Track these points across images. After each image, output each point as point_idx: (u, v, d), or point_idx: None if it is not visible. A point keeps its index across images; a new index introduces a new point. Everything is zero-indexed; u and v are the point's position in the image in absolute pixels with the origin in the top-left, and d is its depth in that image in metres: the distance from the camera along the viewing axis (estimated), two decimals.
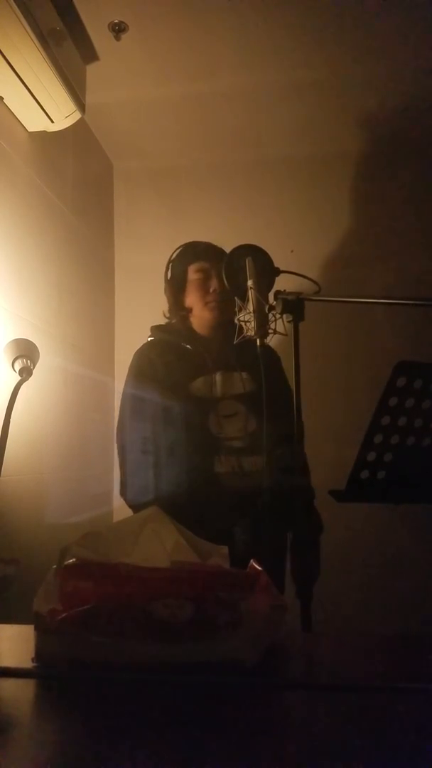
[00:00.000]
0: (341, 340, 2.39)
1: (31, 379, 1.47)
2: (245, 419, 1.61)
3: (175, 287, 1.74)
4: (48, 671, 0.72)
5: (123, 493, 1.64)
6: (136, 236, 2.61)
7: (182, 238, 1.79)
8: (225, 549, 0.89)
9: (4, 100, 1.67)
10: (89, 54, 1.89)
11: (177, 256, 1.76)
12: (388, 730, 0.60)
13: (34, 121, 1.78)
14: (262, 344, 1.37)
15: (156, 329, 1.77)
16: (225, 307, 1.67)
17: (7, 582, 0.93)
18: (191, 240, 1.79)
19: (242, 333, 1.42)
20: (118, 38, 1.82)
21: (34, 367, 1.49)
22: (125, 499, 1.63)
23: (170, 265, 1.77)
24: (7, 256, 1.67)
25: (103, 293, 2.52)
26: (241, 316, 1.43)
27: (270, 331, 1.38)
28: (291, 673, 0.77)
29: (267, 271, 1.46)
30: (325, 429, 1.86)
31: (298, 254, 2.16)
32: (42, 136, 1.85)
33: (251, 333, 1.38)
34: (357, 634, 1.05)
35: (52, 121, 1.78)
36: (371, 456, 0.99)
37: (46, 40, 1.53)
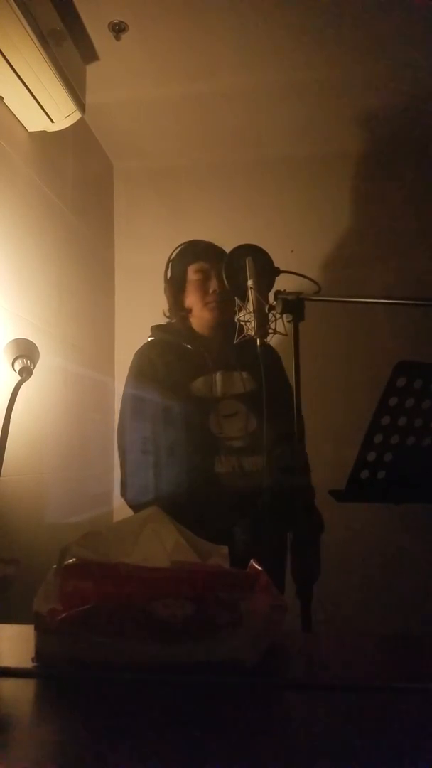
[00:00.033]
0: (341, 340, 2.39)
1: (31, 379, 1.47)
2: (245, 419, 1.61)
3: (175, 287, 1.74)
4: (48, 671, 0.72)
5: (123, 493, 1.64)
6: (136, 236, 2.61)
7: (182, 238, 1.79)
8: (225, 549, 0.89)
9: (4, 100, 1.67)
10: (89, 54, 1.89)
11: (177, 255, 1.76)
12: (388, 730, 0.60)
13: (34, 121, 1.78)
14: (263, 344, 1.37)
15: (156, 329, 1.77)
16: (225, 308, 1.67)
17: (7, 582, 0.93)
18: (191, 239, 1.79)
19: (242, 333, 1.42)
20: (118, 38, 1.82)
21: (34, 367, 1.49)
22: (125, 499, 1.63)
23: (170, 264, 1.77)
24: (7, 256, 1.67)
25: (103, 293, 2.52)
26: (241, 315, 1.43)
27: (270, 330, 1.38)
28: (291, 673, 0.77)
29: (267, 271, 1.46)
30: (325, 429, 1.86)
31: (298, 254, 2.16)
32: (42, 136, 1.85)
33: (251, 333, 1.38)
34: (357, 634, 1.05)
35: (52, 121, 1.78)
36: (371, 456, 0.99)
37: (46, 40, 1.53)
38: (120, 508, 1.73)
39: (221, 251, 1.67)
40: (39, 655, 0.73)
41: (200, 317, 1.72)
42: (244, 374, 1.65)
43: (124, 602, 0.72)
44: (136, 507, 1.58)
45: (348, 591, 2.10)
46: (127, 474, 1.65)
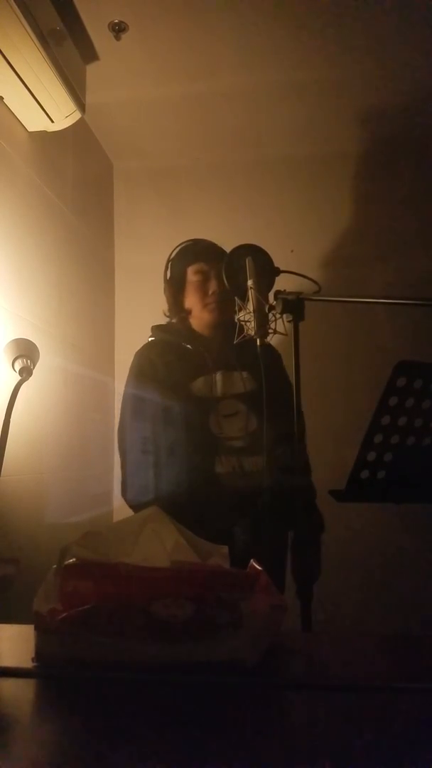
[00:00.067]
0: (341, 340, 2.39)
1: (31, 379, 1.47)
2: (246, 418, 1.61)
3: (175, 288, 1.74)
4: (48, 671, 0.72)
5: (124, 493, 1.64)
6: (136, 236, 2.61)
7: (182, 238, 1.79)
8: (225, 549, 0.89)
9: (4, 100, 1.67)
10: (89, 54, 1.89)
11: (176, 255, 1.76)
12: (388, 730, 0.60)
13: (34, 121, 1.78)
14: (263, 344, 1.37)
15: (156, 329, 1.77)
16: (224, 308, 1.67)
17: (7, 582, 0.93)
18: (191, 238, 1.78)
19: (242, 332, 1.42)
20: (118, 38, 1.82)
21: (34, 367, 1.49)
22: (125, 500, 1.63)
23: (169, 264, 1.76)
24: (7, 256, 1.67)
25: (103, 293, 2.52)
26: (242, 315, 1.43)
27: (270, 330, 1.38)
28: (291, 673, 0.77)
29: (267, 270, 1.46)
30: (325, 429, 1.86)
31: (298, 254, 2.16)
32: (42, 136, 1.85)
33: (251, 333, 1.38)
34: (357, 634, 1.05)
35: (52, 121, 1.78)
36: (371, 456, 0.99)
37: (46, 40, 1.53)
38: (120, 508, 1.73)
39: (221, 251, 1.67)
40: (39, 655, 0.73)
41: (200, 318, 1.72)
42: (245, 374, 1.65)
43: (124, 602, 0.72)
44: (136, 507, 1.58)
45: (348, 591, 2.10)
46: (127, 474, 1.65)
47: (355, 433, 1.01)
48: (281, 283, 1.45)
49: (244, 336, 1.41)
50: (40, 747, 0.57)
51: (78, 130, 2.11)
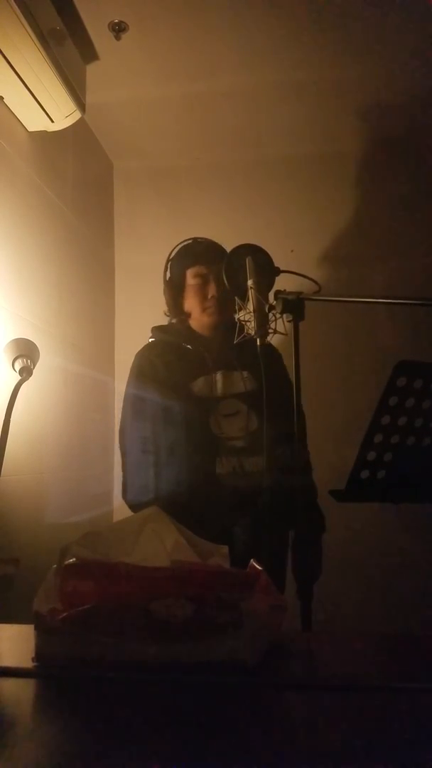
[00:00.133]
0: (341, 339, 2.39)
1: (31, 379, 1.47)
2: (246, 418, 1.61)
3: (174, 290, 1.74)
4: (48, 671, 0.72)
5: (124, 493, 1.64)
6: (136, 236, 2.61)
7: (182, 238, 1.79)
8: (225, 549, 0.89)
9: (4, 100, 1.67)
10: (89, 54, 1.89)
11: (176, 256, 1.76)
12: (388, 730, 0.60)
13: (34, 121, 1.78)
14: (263, 343, 1.37)
15: (156, 330, 1.77)
16: (223, 311, 1.67)
17: (7, 581, 0.93)
18: (191, 237, 1.78)
19: (242, 332, 1.42)
20: (118, 38, 1.82)
21: (34, 367, 1.49)
22: (125, 500, 1.63)
23: (169, 264, 1.76)
24: (7, 256, 1.67)
25: (103, 293, 2.52)
26: (242, 315, 1.43)
27: (270, 330, 1.38)
28: (291, 673, 0.77)
29: (267, 270, 1.46)
30: (325, 429, 1.86)
31: (298, 254, 2.16)
32: (42, 136, 1.85)
33: (251, 332, 1.38)
34: (357, 634, 1.05)
35: (52, 121, 1.78)
36: (371, 456, 0.99)
37: (46, 40, 1.53)
38: (120, 508, 1.73)
39: (221, 251, 1.67)
40: (39, 655, 0.73)
41: (199, 320, 1.72)
42: (245, 373, 1.65)
43: (124, 602, 0.72)
44: (136, 507, 1.58)
45: (348, 591, 2.09)
46: (127, 474, 1.64)
47: (355, 433, 1.01)
48: (281, 282, 1.45)
49: (245, 336, 1.41)
50: (40, 747, 0.57)
51: (78, 130, 2.11)
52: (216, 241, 1.76)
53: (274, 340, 1.44)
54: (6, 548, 1.49)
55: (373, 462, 1.00)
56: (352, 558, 2.15)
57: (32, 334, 1.66)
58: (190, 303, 1.71)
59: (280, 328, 1.39)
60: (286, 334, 1.39)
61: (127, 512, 1.59)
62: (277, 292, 1.38)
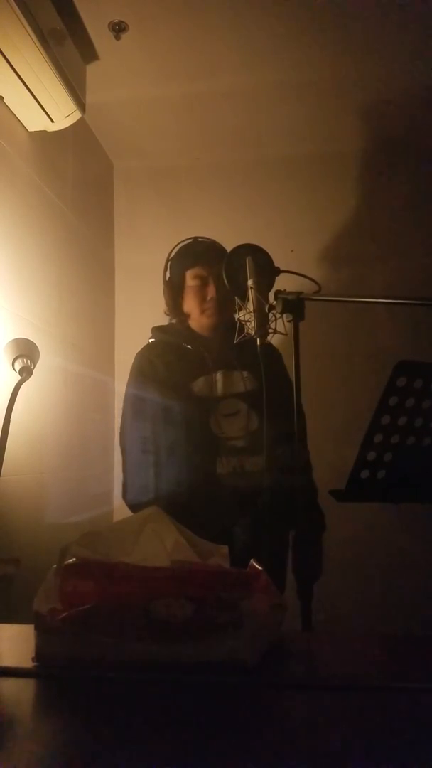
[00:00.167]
0: (341, 339, 2.39)
1: (31, 378, 1.47)
2: (247, 418, 1.61)
3: (174, 291, 1.73)
4: (48, 671, 0.72)
5: (125, 495, 1.64)
6: (136, 236, 2.61)
7: (182, 238, 1.79)
8: (225, 549, 0.89)
9: (4, 100, 1.67)
10: (89, 54, 1.89)
11: (176, 256, 1.76)
12: (388, 730, 0.60)
13: (34, 121, 1.78)
14: (263, 343, 1.37)
15: (156, 330, 1.77)
16: (223, 312, 1.67)
17: (7, 581, 0.93)
18: (192, 236, 1.78)
19: (243, 332, 1.42)
20: (118, 38, 1.82)
21: (34, 367, 1.49)
22: (125, 500, 1.63)
23: (168, 264, 1.76)
24: (7, 256, 1.67)
25: (103, 293, 2.52)
26: (242, 315, 1.43)
27: (270, 330, 1.38)
28: (291, 673, 0.77)
29: (267, 270, 1.46)
30: (325, 429, 1.86)
31: (298, 254, 2.16)
32: (42, 135, 1.85)
33: (251, 332, 1.38)
34: (357, 634, 1.05)
35: (52, 121, 1.78)
36: (371, 455, 0.99)
37: (47, 40, 1.53)
38: (120, 508, 1.73)
39: (221, 251, 1.67)
40: (39, 655, 0.73)
41: (198, 321, 1.72)
42: (245, 373, 1.65)
43: (124, 602, 0.72)
44: (136, 507, 1.58)
45: (348, 591, 2.09)
46: (127, 474, 1.64)
47: (355, 433, 1.01)
48: (281, 282, 1.45)
49: (245, 336, 1.41)
50: (40, 747, 0.57)
51: (78, 130, 2.11)
52: (216, 240, 1.76)
53: (274, 340, 1.44)
54: (6, 548, 1.49)
55: (373, 462, 1.00)
56: (352, 558, 2.15)
57: (32, 334, 1.66)
58: (189, 304, 1.71)
59: (280, 328, 1.39)
60: (286, 334, 1.39)
61: (127, 512, 1.59)
62: (277, 292, 1.38)
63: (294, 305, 1.34)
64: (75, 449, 2.08)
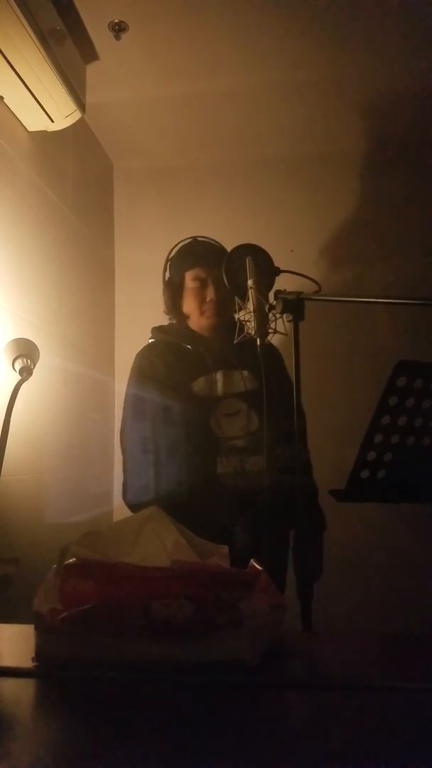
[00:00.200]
0: (341, 339, 2.39)
1: (31, 378, 1.47)
2: (247, 417, 1.61)
3: (173, 292, 1.74)
4: (48, 671, 0.72)
5: (125, 495, 1.63)
6: (136, 236, 2.61)
7: (182, 237, 1.78)
8: (225, 549, 0.89)
9: (4, 100, 1.67)
10: (89, 54, 1.89)
11: (175, 256, 1.76)
12: (388, 730, 0.60)
13: (34, 121, 1.78)
14: (263, 343, 1.37)
15: (156, 330, 1.77)
16: (222, 313, 1.67)
17: (7, 581, 0.93)
18: (192, 236, 1.78)
19: (243, 332, 1.42)
20: (118, 38, 1.82)
21: (34, 367, 1.49)
22: (125, 501, 1.63)
23: (168, 264, 1.76)
24: (7, 256, 1.67)
25: (103, 293, 2.52)
26: (242, 315, 1.43)
27: (270, 330, 1.38)
28: (291, 673, 0.77)
29: (267, 270, 1.46)
30: (325, 429, 1.86)
31: (298, 254, 2.16)
32: (42, 135, 1.85)
33: (251, 332, 1.38)
34: (357, 634, 1.05)
35: (53, 121, 1.78)
36: (371, 455, 0.99)
37: (47, 40, 1.53)
38: (120, 508, 1.73)
39: (221, 251, 1.67)
40: (39, 655, 0.73)
41: (198, 322, 1.72)
42: (245, 373, 1.65)
43: (124, 602, 0.72)
44: (136, 507, 1.58)
45: (348, 591, 2.09)
46: (127, 474, 1.64)
47: (355, 433, 1.01)
48: (281, 282, 1.45)
49: (245, 336, 1.41)
50: (40, 747, 0.57)
51: (78, 130, 2.11)
52: (216, 240, 1.75)
53: (274, 340, 1.44)
54: (6, 548, 1.49)
55: (373, 462, 1.00)
56: (352, 558, 2.15)
57: (32, 334, 1.66)
58: (189, 305, 1.71)
59: (280, 328, 1.39)
60: (286, 334, 1.39)
61: (127, 512, 1.59)
62: (277, 292, 1.38)
63: (294, 305, 1.34)
64: (75, 449, 2.08)
